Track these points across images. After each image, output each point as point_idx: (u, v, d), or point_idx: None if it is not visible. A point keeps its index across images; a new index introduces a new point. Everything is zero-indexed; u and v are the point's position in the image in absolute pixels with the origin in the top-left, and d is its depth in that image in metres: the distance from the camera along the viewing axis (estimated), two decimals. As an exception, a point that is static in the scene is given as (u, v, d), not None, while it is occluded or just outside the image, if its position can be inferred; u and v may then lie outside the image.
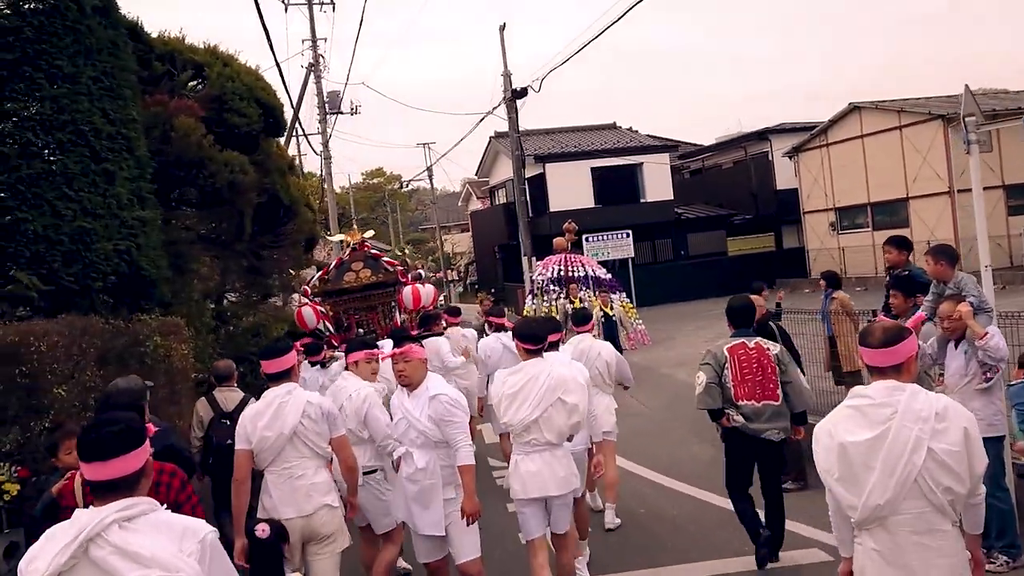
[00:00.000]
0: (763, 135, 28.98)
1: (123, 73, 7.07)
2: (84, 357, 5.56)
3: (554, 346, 5.27)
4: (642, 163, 27.59)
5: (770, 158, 28.52)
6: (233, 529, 4.39)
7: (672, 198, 28.06)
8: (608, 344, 6.89)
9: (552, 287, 17.02)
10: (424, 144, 47.12)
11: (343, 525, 4.61)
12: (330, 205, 27.26)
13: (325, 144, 27.64)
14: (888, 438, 2.80)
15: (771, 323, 6.92)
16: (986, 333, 4.84)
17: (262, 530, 4.15)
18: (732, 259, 27.79)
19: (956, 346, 5.06)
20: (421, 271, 13.53)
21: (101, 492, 2.36)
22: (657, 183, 27.68)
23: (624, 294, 18.01)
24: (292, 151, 23.86)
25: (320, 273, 10.53)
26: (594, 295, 16.04)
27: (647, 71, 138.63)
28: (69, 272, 6.17)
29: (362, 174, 64.81)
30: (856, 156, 24.45)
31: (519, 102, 20.80)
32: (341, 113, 28.35)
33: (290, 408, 4.41)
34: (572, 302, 15.33)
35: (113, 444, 2.36)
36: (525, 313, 17.51)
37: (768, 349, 5.42)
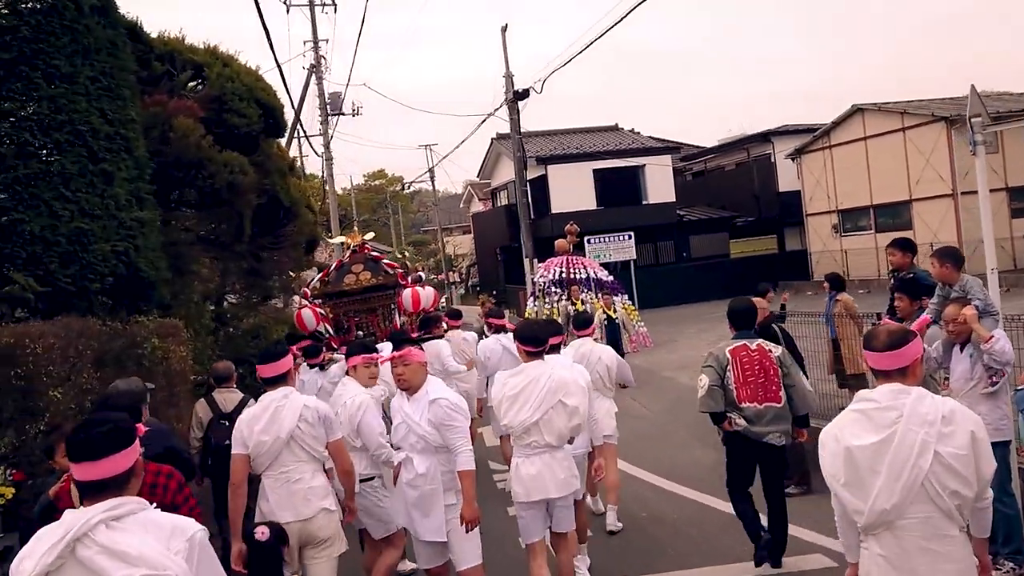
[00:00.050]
0: (765, 137, 28.95)
1: (122, 73, 7.02)
2: (81, 359, 5.53)
3: (555, 349, 5.24)
4: (644, 165, 27.58)
5: (772, 160, 28.47)
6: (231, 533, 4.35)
7: (674, 200, 28.07)
8: (608, 348, 6.87)
9: (554, 289, 17.01)
10: (426, 146, 47.46)
11: (340, 529, 4.58)
12: (332, 207, 27.28)
13: (326, 145, 27.70)
14: (894, 442, 2.76)
15: (774, 325, 6.89)
16: (991, 336, 4.79)
17: (261, 532, 4.12)
18: (734, 261, 27.78)
19: (961, 350, 5.01)
20: (421, 273, 13.49)
21: (90, 492, 2.36)
22: (659, 185, 27.68)
23: (626, 296, 17.98)
24: (294, 152, 23.85)
25: (320, 275, 10.49)
26: (596, 297, 16.02)
27: (649, 72, 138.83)
28: (66, 273, 6.12)
29: (364, 175, 65.11)
30: (859, 158, 24.39)
31: (521, 103, 20.81)
32: (343, 114, 28.45)
33: (287, 412, 4.39)
34: (574, 304, 15.30)
35: (102, 444, 2.36)
36: (527, 315, 17.48)
37: (770, 351, 5.38)
